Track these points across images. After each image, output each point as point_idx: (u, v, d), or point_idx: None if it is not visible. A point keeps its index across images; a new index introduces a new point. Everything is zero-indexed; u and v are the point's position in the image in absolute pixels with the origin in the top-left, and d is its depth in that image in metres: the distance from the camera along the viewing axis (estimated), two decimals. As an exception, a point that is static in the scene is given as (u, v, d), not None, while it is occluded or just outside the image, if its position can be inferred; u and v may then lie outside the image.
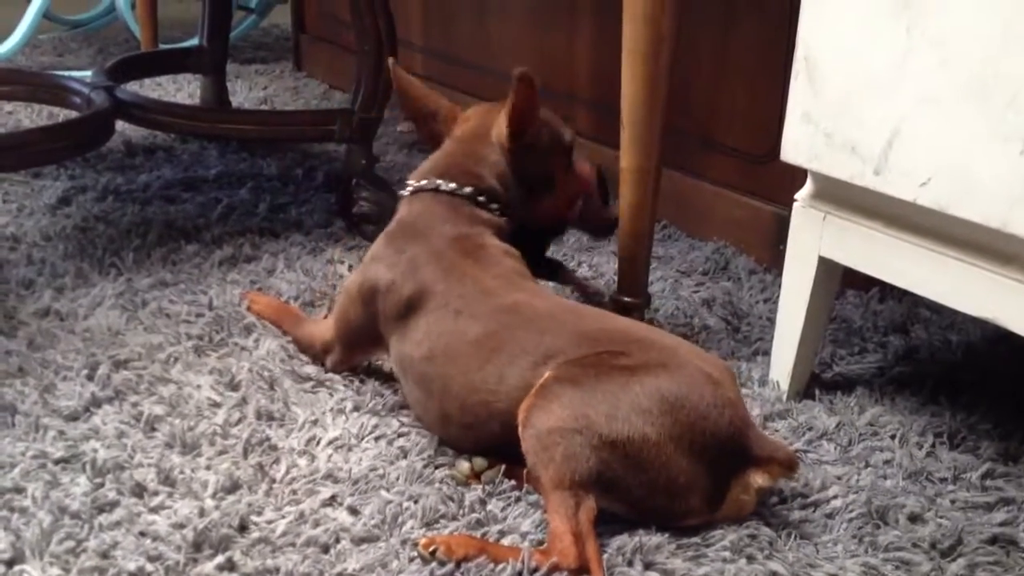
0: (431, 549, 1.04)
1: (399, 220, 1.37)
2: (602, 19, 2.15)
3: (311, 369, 1.41)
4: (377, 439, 1.26)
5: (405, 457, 1.22)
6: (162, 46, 3.03)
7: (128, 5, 3.34)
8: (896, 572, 1.06)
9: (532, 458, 1.08)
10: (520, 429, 1.10)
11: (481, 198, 1.35)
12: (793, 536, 1.10)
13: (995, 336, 1.56)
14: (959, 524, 1.13)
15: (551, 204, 1.42)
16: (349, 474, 1.18)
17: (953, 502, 1.18)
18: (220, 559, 1.02)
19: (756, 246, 1.86)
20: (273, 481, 1.16)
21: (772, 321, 1.50)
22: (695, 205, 1.98)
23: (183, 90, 2.90)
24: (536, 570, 1.01)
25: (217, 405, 1.30)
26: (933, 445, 1.29)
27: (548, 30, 2.30)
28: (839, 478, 1.22)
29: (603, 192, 1.49)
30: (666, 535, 1.08)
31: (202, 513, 1.09)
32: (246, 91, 2.93)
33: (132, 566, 1.01)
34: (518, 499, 1.15)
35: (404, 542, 1.07)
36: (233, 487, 1.14)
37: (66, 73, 2.43)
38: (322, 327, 1.43)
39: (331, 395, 1.35)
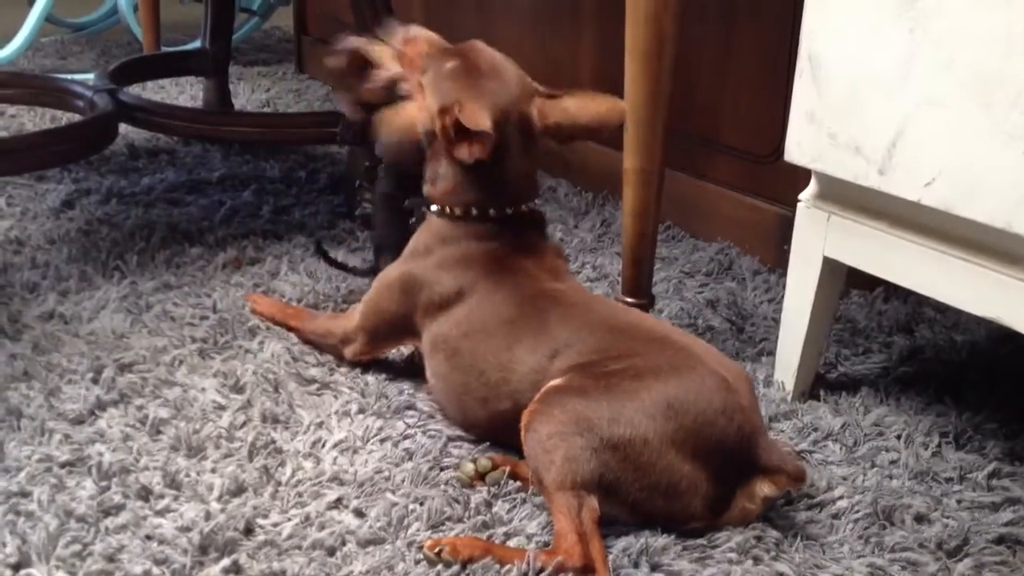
0: (437, 550, 1.04)
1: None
2: (605, 20, 2.15)
3: (316, 371, 1.41)
4: (382, 441, 1.26)
5: (410, 459, 1.22)
6: (164, 49, 3.04)
7: (130, 8, 3.35)
8: (903, 573, 1.06)
9: (534, 461, 1.09)
10: (523, 433, 1.11)
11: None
12: (799, 537, 1.10)
13: (1000, 336, 1.56)
14: (965, 524, 1.13)
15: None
16: (355, 476, 1.18)
17: (959, 502, 1.18)
18: (226, 562, 1.02)
19: (760, 246, 1.86)
20: (279, 484, 1.16)
21: (776, 321, 1.50)
22: (698, 206, 1.98)
23: (185, 93, 2.90)
24: (542, 570, 1.01)
25: (222, 408, 1.30)
26: (939, 445, 1.29)
27: (551, 32, 2.30)
28: (845, 479, 1.22)
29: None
30: (672, 536, 1.08)
31: (208, 516, 1.09)
32: (248, 93, 2.94)
33: (138, 570, 1.01)
34: (524, 501, 1.15)
35: (410, 544, 1.07)
36: (239, 490, 1.14)
37: (69, 76, 2.43)
38: (343, 319, 1.43)
39: (336, 397, 1.35)
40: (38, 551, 1.03)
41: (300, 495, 1.15)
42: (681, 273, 1.81)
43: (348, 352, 1.41)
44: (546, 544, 1.07)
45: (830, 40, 1.24)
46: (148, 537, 1.06)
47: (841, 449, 1.28)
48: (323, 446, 1.24)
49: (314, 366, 1.43)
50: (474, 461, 1.20)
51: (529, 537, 1.09)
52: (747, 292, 1.73)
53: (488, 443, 1.27)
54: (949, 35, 1.11)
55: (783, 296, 1.42)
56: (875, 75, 1.19)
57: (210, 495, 1.13)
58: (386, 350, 1.42)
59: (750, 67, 1.88)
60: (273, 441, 1.24)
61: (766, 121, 1.81)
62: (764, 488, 1.09)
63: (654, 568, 1.04)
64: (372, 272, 1.59)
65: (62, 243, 1.79)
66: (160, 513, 1.10)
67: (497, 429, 1.21)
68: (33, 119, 2.53)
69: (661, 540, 1.07)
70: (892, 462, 1.26)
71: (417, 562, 1.04)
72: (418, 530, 1.09)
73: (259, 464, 1.19)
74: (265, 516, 1.11)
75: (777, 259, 1.80)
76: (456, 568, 1.02)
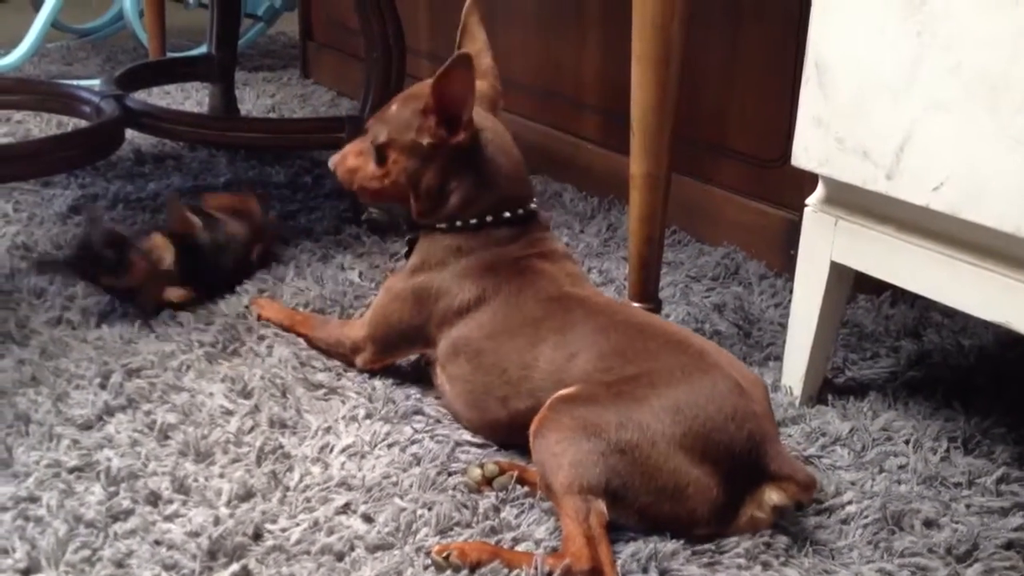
0: (445, 555, 1.04)
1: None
2: (610, 26, 2.15)
3: (323, 376, 1.41)
4: (390, 446, 1.26)
5: (418, 464, 1.22)
6: (169, 54, 3.04)
7: (136, 13, 3.35)
8: (912, 578, 1.06)
9: (542, 466, 1.09)
10: (531, 440, 1.11)
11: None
12: (808, 543, 1.10)
13: (1008, 340, 1.56)
14: (975, 529, 1.13)
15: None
16: (363, 481, 1.18)
17: (968, 507, 1.18)
18: (235, 567, 1.02)
19: (766, 251, 1.86)
20: (287, 489, 1.17)
21: (783, 326, 1.50)
22: (704, 210, 1.98)
23: (191, 98, 2.91)
24: (550, 574, 1.01)
25: (230, 413, 1.31)
26: (947, 450, 1.29)
27: (556, 37, 2.30)
28: (853, 484, 1.21)
29: None
30: (681, 542, 1.08)
31: (217, 521, 1.09)
32: (254, 98, 2.94)
33: (148, 575, 1.01)
34: (532, 506, 1.15)
35: (418, 549, 1.07)
36: (247, 495, 1.14)
37: (75, 82, 2.44)
38: (352, 327, 1.44)
39: (343, 402, 1.35)
40: (47, 556, 1.03)
41: (308, 500, 1.15)
42: (687, 277, 1.81)
43: (359, 361, 1.42)
44: (554, 549, 1.07)
45: (837, 45, 1.24)
46: (157, 542, 1.06)
47: (849, 454, 1.28)
48: (331, 451, 1.24)
49: (321, 371, 1.43)
50: (481, 466, 1.20)
51: (537, 542, 1.09)
52: (754, 296, 1.72)
53: (495, 448, 1.27)
54: (956, 39, 1.11)
55: (790, 301, 1.42)
56: (882, 79, 1.19)
57: (219, 500, 1.13)
58: (396, 359, 1.43)
59: (756, 72, 1.88)
60: (281, 446, 1.24)
61: (772, 125, 1.81)
62: (773, 496, 1.08)
63: (663, 573, 1.04)
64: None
65: (69, 248, 1.79)
66: (169, 518, 1.10)
67: (515, 429, 1.21)
68: (39, 125, 2.53)
69: (670, 546, 1.07)
70: (901, 467, 1.25)
71: (426, 567, 1.04)
72: (426, 535, 1.09)
73: (267, 469, 1.19)
74: (274, 521, 1.11)
75: (783, 263, 1.80)
76: (464, 573, 1.03)
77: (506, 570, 1.03)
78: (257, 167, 2.29)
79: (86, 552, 1.04)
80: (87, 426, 1.27)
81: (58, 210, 1.98)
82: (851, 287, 1.41)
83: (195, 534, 1.07)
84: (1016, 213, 1.08)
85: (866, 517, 1.15)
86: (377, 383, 1.40)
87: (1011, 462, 1.27)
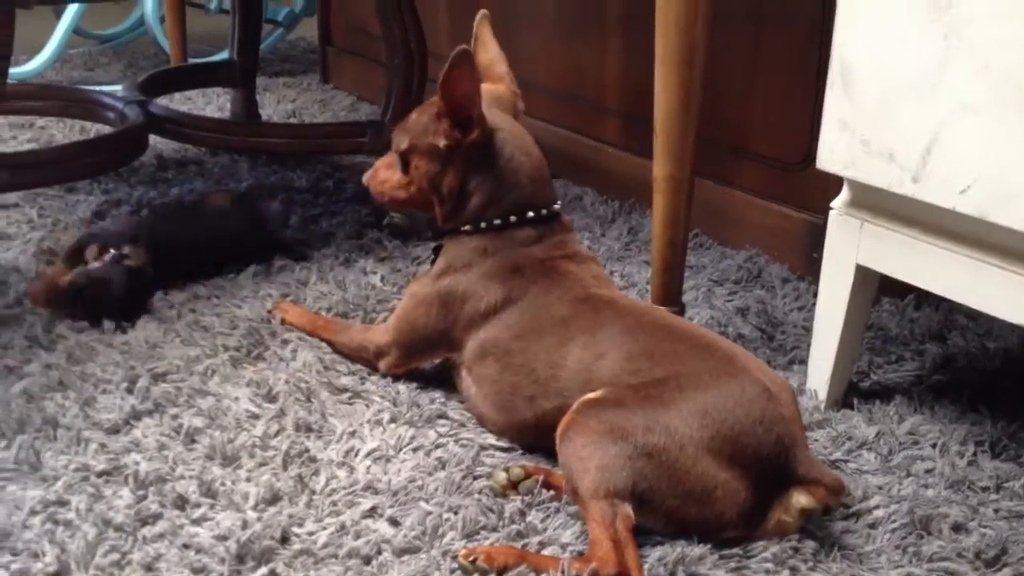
0: (472, 559, 1.04)
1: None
2: (630, 29, 2.15)
3: (347, 380, 1.41)
4: (415, 450, 1.26)
5: (443, 468, 1.22)
6: (190, 60, 3.06)
7: (157, 19, 3.37)
8: (941, 583, 1.06)
9: (569, 470, 1.09)
10: (558, 444, 1.11)
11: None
12: (836, 547, 1.10)
13: (1034, 343, 1.55)
14: (1003, 534, 1.12)
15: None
16: (388, 485, 1.18)
17: (996, 511, 1.17)
18: (263, 571, 1.03)
19: (789, 254, 1.86)
20: (313, 493, 1.17)
21: (807, 330, 1.49)
22: (726, 213, 1.98)
23: (212, 103, 2.92)
24: (577, 578, 1.01)
25: (256, 417, 1.31)
26: (974, 454, 1.28)
27: (577, 40, 2.30)
28: (880, 488, 1.21)
29: None
30: (708, 547, 1.08)
31: (244, 525, 1.09)
32: (274, 104, 2.95)
33: (176, 578, 1.02)
34: (557, 510, 1.15)
35: (445, 553, 1.07)
36: (274, 499, 1.15)
37: (97, 88, 2.45)
38: (376, 332, 1.44)
39: (368, 406, 1.36)
40: (77, 560, 1.03)
41: (335, 504, 1.15)
42: (710, 281, 1.80)
43: (382, 366, 1.42)
44: (581, 553, 1.07)
45: (862, 48, 1.23)
46: (186, 546, 1.07)
47: (876, 458, 1.27)
48: (356, 455, 1.25)
49: (345, 375, 1.43)
50: (507, 470, 1.20)
51: (564, 546, 1.09)
52: (777, 300, 1.72)
53: (520, 452, 1.28)
54: (983, 41, 1.11)
55: (813, 304, 1.41)
56: (908, 82, 1.19)
57: (246, 504, 1.14)
58: (421, 363, 1.43)
59: (778, 74, 1.87)
60: (307, 450, 1.25)
61: (794, 128, 1.81)
62: (801, 499, 1.08)
63: (690, 577, 1.04)
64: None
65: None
66: (197, 522, 1.11)
67: (541, 430, 1.21)
68: (62, 130, 2.55)
69: (697, 550, 1.07)
70: (928, 471, 1.25)
71: (452, 571, 1.05)
72: (453, 539, 1.10)
73: (293, 473, 1.20)
74: (301, 525, 1.11)
75: (806, 267, 1.79)
76: (491, 576, 1.03)
77: (533, 574, 1.03)
78: (279, 172, 2.29)
79: (115, 556, 1.04)
80: (114, 430, 1.28)
81: (82, 215, 1.99)
82: (876, 290, 1.40)
83: (223, 538, 1.07)
84: (1045, 216, 1.08)
85: (894, 522, 1.14)
86: (401, 387, 1.40)
87: (1039, 466, 1.26)
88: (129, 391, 1.36)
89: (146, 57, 3.44)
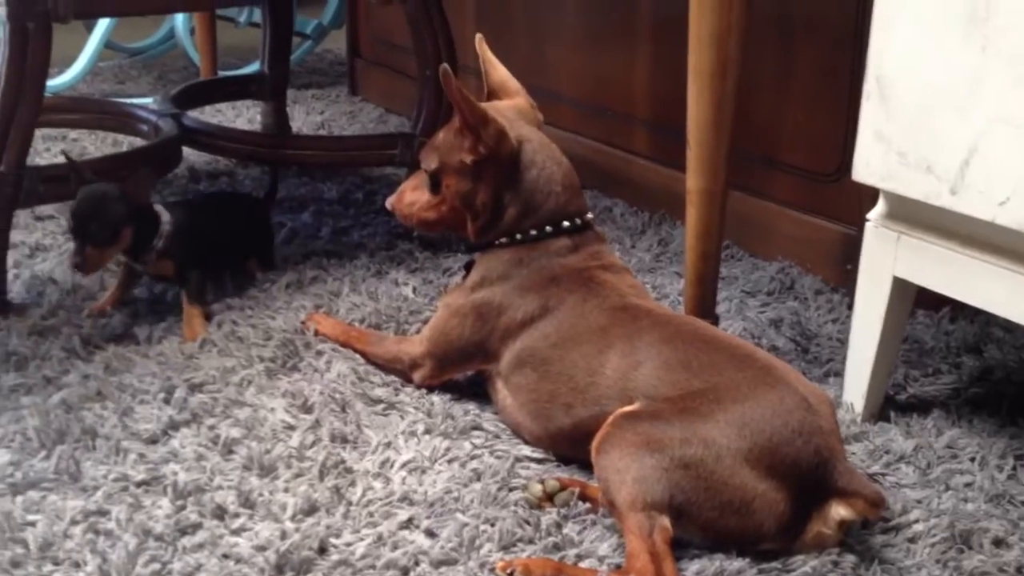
0: (509, 571, 1.04)
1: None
2: (659, 40, 2.15)
3: (382, 391, 1.42)
4: (450, 462, 1.26)
5: (479, 480, 1.23)
6: (220, 73, 3.09)
7: (187, 32, 3.40)
8: (983, 598, 1.05)
9: (605, 482, 1.09)
10: (594, 456, 1.11)
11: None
12: (876, 561, 1.09)
13: (1071, 356, 1.54)
14: (1045, 549, 1.11)
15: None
16: (424, 497, 1.19)
17: (1037, 526, 1.16)
18: (302, 581, 1.03)
19: (822, 265, 1.85)
20: (350, 504, 1.17)
21: (842, 342, 1.49)
22: (759, 224, 1.97)
23: (242, 116, 2.94)
24: (614, 591, 1.01)
25: (292, 428, 1.32)
26: (1014, 468, 1.27)
27: (606, 52, 2.30)
28: (919, 502, 1.20)
29: None
30: (747, 560, 1.07)
31: (283, 535, 1.10)
32: (303, 116, 2.97)
33: (217, 588, 1.02)
34: (594, 522, 1.15)
35: (482, 565, 1.08)
36: (311, 509, 1.15)
37: (128, 100, 2.48)
38: (410, 343, 1.45)
39: (402, 418, 1.36)
40: (118, 570, 1.04)
41: (371, 515, 1.15)
42: (742, 292, 1.80)
43: (417, 377, 1.43)
44: (618, 566, 1.07)
45: (898, 59, 1.23)
46: (225, 556, 1.07)
47: (914, 472, 1.26)
48: (392, 466, 1.25)
49: (380, 386, 1.44)
50: (542, 482, 1.20)
51: (601, 559, 1.09)
52: (810, 312, 1.71)
53: (555, 463, 1.28)
54: (1021, 52, 1.10)
55: (848, 316, 1.41)
56: (945, 93, 1.18)
57: (284, 514, 1.14)
58: (455, 375, 1.43)
59: (811, 85, 1.87)
60: (343, 461, 1.25)
61: (827, 139, 1.80)
62: (840, 511, 1.07)
63: (729, 591, 1.04)
64: None
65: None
66: (236, 532, 1.11)
67: (577, 439, 1.22)
68: (95, 143, 2.57)
69: (736, 563, 1.06)
70: (967, 485, 1.24)
71: (490, 583, 1.05)
72: (490, 551, 1.10)
73: (330, 484, 1.20)
74: (338, 536, 1.12)
75: (840, 278, 1.79)
76: (529, 589, 1.03)
77: (570, 587, 1.03)
78: (309, 184, 2.31)
79: (156, 566, 1.05)
80: (153, 440, 1.29)
81: (116, 227, 2.01)
82: (912, 302, 1.39)
83: (262, 548, 1.08)
84: (1087, 228, 1.07)
85: (934, 536, 1.13)
86: (435, 398, 1.40)
87: (1080, 480, 1.25)
88: (166, 401, 1.37)
89: (176, 70, 3.47)
